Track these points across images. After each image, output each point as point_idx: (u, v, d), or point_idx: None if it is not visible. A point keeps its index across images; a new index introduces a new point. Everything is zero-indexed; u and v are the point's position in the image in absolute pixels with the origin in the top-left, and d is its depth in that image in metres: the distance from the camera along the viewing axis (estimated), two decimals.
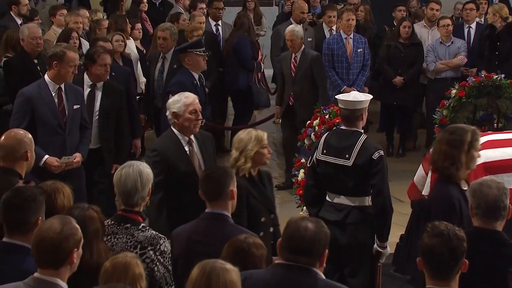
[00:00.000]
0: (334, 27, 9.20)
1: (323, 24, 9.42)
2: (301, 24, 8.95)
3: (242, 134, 4.62)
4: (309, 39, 9.08)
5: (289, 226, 3.19)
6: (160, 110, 6.66)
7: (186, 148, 4.91)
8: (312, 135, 6.80)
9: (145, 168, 3.90)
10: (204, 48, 6.58)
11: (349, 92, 8.08)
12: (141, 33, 8.82)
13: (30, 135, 4.44)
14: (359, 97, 5.06)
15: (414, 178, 5.95)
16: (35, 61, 7.09)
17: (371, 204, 4.95)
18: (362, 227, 4.93)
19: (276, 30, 9.51)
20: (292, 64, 8.07)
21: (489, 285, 3.61)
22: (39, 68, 7.04)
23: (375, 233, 4.94)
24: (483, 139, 5.66)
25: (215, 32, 9.36)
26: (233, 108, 9.64)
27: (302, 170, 6.74)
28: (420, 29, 9.53)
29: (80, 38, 7.81)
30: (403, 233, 5.20)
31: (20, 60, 7.08)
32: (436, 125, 8.00)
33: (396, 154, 9.32)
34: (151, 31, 9.86)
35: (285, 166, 8.17)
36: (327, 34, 9.18)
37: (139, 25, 8.79)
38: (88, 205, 3.69)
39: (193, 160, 4.90)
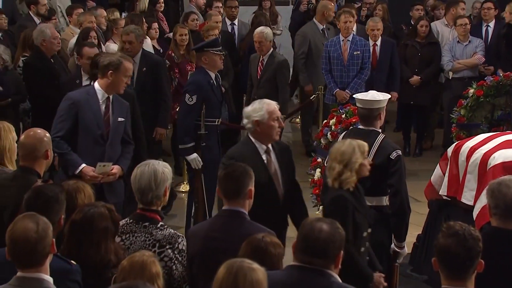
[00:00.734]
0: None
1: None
2: (325, 25, 8.90)
3: (343, 146, 4.41)
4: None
5: (304, 227, 3.18)
6: None
7: (264, 157, 4.74)
8: (328, 134, 6.79)
9: (161, 167, 3.87)
10: (220, 47, 6.59)
11: (341, 95, 8.20)
12: (158, 33, 8.86)
13: (48, 134, 4.45)
14: (377, 96, 5.05)
15: (431, 178, 5.94)
16: (52, 60, 7.15)
17: (388, 203, 4.94)
18: (379, 226, 4.91)
19: (302, 33, 9.13)
20: (258, 67, 8.02)
21: (506, 286, 3.58)
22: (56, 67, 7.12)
23: (392, 233, 4.92)
24: (501, 139, 5.64)
25: (230, 31, 9.37)
26: None
27: (318, 170, 6.73)
28: (441, 27, 9.49)
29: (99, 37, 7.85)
30: (420, 233, 5.19)
31: (38, 60, 7.14)
32: (454, 125, 7.96)
33: (413, 153, 9.28)
34: (167, 30, 9.91)
35: None
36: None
37: (155, 25, 8.83)
38: (103, 203, 3.71)
39: (270, 169, 4.74)
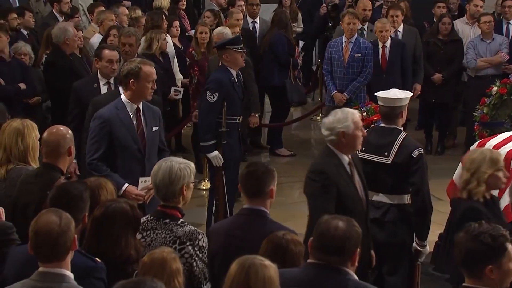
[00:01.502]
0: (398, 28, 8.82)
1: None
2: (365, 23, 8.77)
3: (475, 154, 4.33)
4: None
5: (320, 225, 3.17)
6: None
7: (348, 170, 4.51)
8: None
9: (178, 164, 3.84)
10: (242, 45, 6.58)
11: (338, 97, 8.08)
12: (179, 31, 8.87)
13: (70, 131, 4.47)
14: (399, 94, 5.03)
15: (454, 176, 5.89)
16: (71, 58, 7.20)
17: (410, 202, 4.91)
18: (400, 225, 4.89)
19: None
20: None
21: None
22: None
23: (414, 231, 4.89)
24: None
25: (251, 29, 9.37)
26: (270, 105, 9.64)
27: None
28: (462, 25, 9.41)
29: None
30: (442, 231, 5.15)
31: (59, 58, 7.19)
32: (476, 123, 7.90)
33: (435, 152, 9.21)
34: (189, 28, 9.94)
35: None
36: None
37: (177, 23, 8.84)
38: (125, 199, 3.73)
39: (354, 181, 4.52)
